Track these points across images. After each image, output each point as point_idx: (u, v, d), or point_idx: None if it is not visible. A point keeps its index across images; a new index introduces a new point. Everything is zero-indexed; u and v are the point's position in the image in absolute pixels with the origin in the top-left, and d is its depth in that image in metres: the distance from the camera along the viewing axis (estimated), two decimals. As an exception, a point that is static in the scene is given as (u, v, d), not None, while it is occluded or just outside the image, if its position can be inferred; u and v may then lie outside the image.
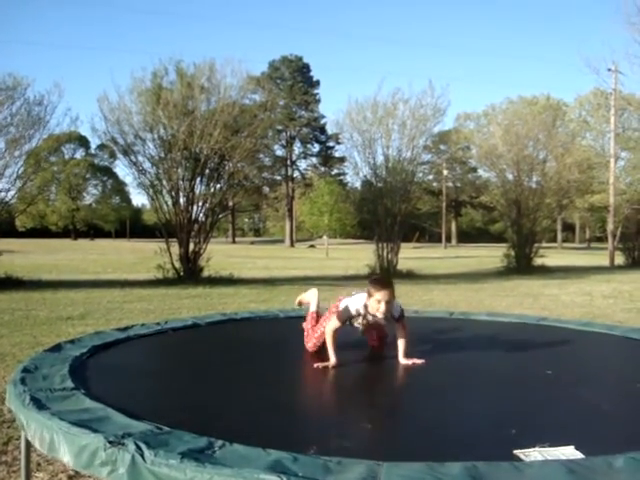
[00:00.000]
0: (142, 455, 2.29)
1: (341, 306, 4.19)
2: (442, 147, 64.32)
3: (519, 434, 2.83)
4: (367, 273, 19.92)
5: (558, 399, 3.55)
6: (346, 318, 4.15)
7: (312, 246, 61.72)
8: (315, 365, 3.93)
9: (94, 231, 76.41)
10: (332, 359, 4.01)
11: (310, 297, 5.02)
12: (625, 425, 3.09)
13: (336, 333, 4.16)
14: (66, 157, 76.35)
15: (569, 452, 2.55)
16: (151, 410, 3.02)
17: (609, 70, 28.43)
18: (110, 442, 2.39)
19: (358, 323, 4.23)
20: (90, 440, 2.46)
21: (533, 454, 2.52)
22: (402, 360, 4.11)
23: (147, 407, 3.11)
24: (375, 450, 2.59)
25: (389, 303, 3.99)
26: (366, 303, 4.06)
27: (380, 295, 3.96)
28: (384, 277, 4.26)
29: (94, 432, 2.52)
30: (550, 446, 2.61)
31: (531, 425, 3.04)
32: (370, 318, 4.16)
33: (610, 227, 34.12)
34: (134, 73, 17.33)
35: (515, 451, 2.54)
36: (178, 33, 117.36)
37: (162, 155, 17.10)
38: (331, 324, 4.15)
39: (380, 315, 4.03)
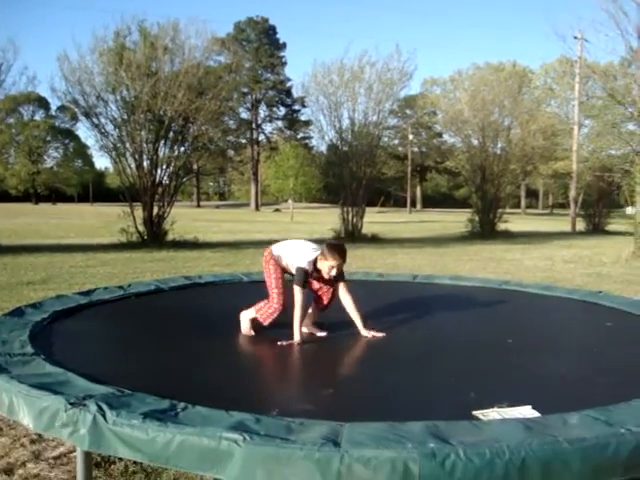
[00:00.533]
0: (104, 415, 2.28)
1: (295, 266, 4.13)
2: (408, 112, 64.20)
3: (479, 397, 2.88)
4: (332, 237, 19.96)
5: (518, 362, 3.61)
6: (305, 280, 4.11)
7: (277, 210, 61.52)
8: (279, 343, 3.90)
9: (56, 195, 74.94)
10: (296, 337, 3.96)
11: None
12: (580, 386, 3.16)
13: (305, 308, 4.14)
14: (25, 119, 74.62)
15: (526, 412, 2.60)
16: (113, 375, 3.00)
17: (575, 38, 28.58)
18: (71, 403, 2.37)
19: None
20: (50, 402, 2.44)
21: (491, 414, 2.57)
22: (363, 332, 4.12)
23: (109, 372, 3.09)
24: (338, 413, 2.61)
25: (340, 269, 4.07)
26: (318, 266, 4.10)
27: (335, 262, 4.02)
28: (341, 244, 4.21)
29: (54, 394, 2.50)
30: (508, 406, 2.66)
31: (491, 388, 3.09)
32: (314, 281, 4.26)
33: (572, 194, 34.57)
34: (96, 32, 16.90)
35: (474, 412, 2.59)
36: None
37: (125, 117, 16.81)
38: (299, 296, 4.03)
39: (326, 277, 4.11)
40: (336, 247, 4.14)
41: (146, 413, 2.30)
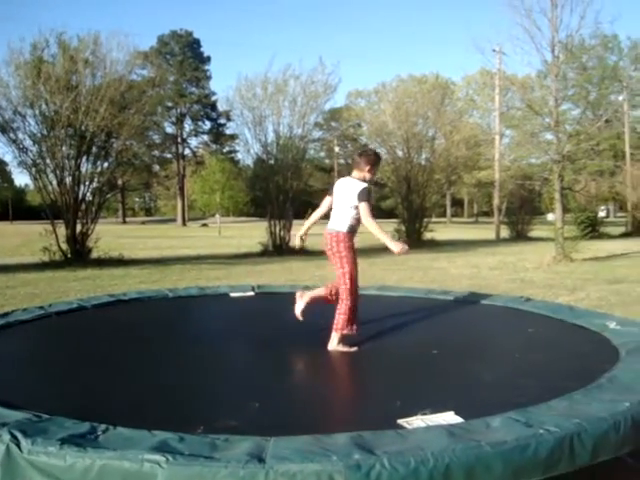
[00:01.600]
0: (18, 445, 2.19)
1: (358, 189, 4.37)
2: (333, 124, 64.70)
3: (404, 405, 2.90)
4: (259, 251, 19.88)
5: (442, 370, 3.66)
6: (369, 197, 4.40)
7: (205, 225, 61.01)
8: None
9: (-28, 214, 72.50)
10: (396, 245, 4.30)
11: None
12: (502, 390, 3.22)
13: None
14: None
15: (449, 418, 2.63)
16: (30, 399, 2.90)
17: (494, 51, 29.27)
18: (-18, 432, 2.27)
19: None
20: (-42, 433, 2.33)
21: (416, 422, 2.59)
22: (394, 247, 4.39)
23: (26, 396, 2.99)
24: (264, 427, 2.58)
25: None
26: (369, 175, 4.53)
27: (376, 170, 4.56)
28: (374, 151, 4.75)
29: (-37, 422, 2.40)
30: (431, 413, 2.68)
31: (415, 396, 3.12)
32: None
33: (496, 202, 35.39)
34: (11, 44, 16.40)
35: (399, 420, 2.60)
36: (59, 2, 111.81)
37: (45, 132, 16.33)
38: (368, 213, 4.35)
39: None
40: (377, 154, 4.71)
41: (64, 439, 2.22)
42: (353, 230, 4.50)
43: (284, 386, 3.41)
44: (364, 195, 4.28)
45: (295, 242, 4.43)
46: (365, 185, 4.34)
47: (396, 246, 4.27)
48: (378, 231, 4.32)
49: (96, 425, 2.40)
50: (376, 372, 3.68)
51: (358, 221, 4.42)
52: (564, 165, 17.92)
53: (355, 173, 4.48)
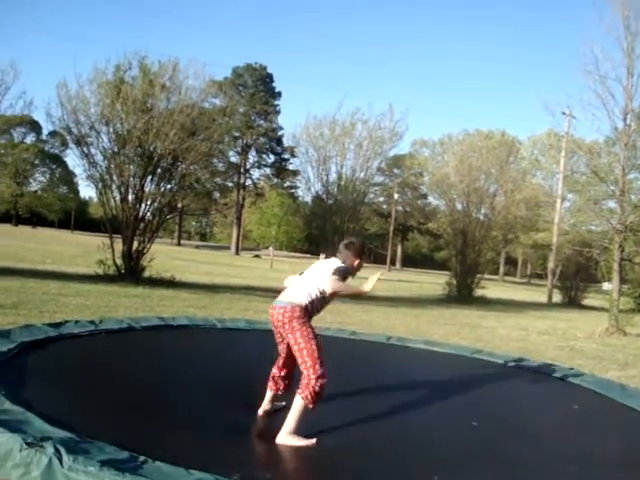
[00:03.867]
0: (60, 459, 2.22)
1: (336, 266, 4.14)
2: (396, 171, 64.93)
3: (440, 474, 2.83)
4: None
5: (481, 446, 3.54)
6: (346, 275, 4.17)
7: (257, 256, 61.43)
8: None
9: (37, 219, 74.50)
10: (365, 288, 4.03)
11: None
12: (540, 470, 3.12)
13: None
14: (15, 141, 74.51)
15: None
16: (75, 418, 2.93)
17: (563, 114, 29.11)
18: (28, 443, 2.31)
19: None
20: (5, 440, 2.38)
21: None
22: None
23: (71, 414, 3.03)
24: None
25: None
26: (353, 265, 4.20)
27: (362, 262, 4.23)
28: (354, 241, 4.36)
29: (10, 432, 2.44)
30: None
31: (453, 474, 3.03)
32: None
33: (551, 265, 34.82)
34: (97, 64, 16.99)
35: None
36: (144, 28, 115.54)
37: (115, 150, 16.77)
38: (335, 283, 4.01)
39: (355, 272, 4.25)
40: (364, 248, 4.36)
41: (104, 461, 2.24)
42: (313, 307, 4.10)
43: (322, 454, 3.34)
44: (339, 271, 4.04)
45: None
46: (345, 266, 4.12)
47: (366, 286, 4.00)
48: (347, 289, 4.12)
49: (135, 455, 2.42)
50: (414, 446, 3.60)
51: (323, 301, 4.11)
52: (626, 235, 17.57)
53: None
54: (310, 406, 3.69)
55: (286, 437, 3.52)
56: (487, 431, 3.79)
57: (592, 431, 3.92)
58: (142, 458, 2.39)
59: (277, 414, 3.71)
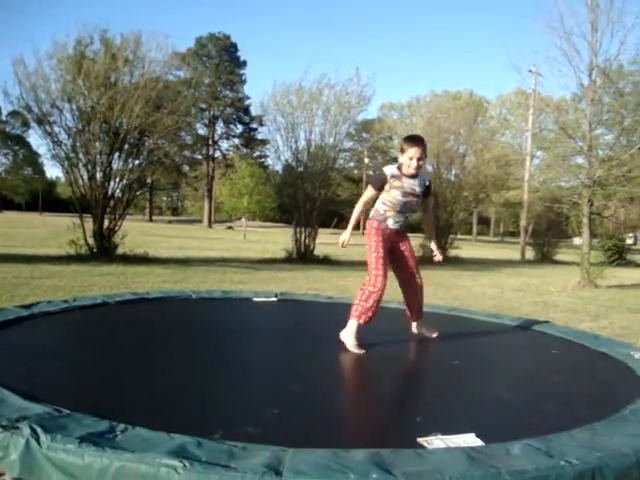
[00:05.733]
0: (37, 440, 2.19)
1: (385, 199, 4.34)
2: (365, 135, 64.75)
3: (424, 422, 2.87)
4: (283, 257, 19.91)
5: (463, 388, 3.62)
6: (381, 180, 4.28)
7: (230, 228, 61.29)
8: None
9: (2, 203, 73.21)
10: (346, 233, 4.34)
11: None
12: (524, 413, 3.18)
13: (366, 205, 4.40)
14: (-28, 123, 73.04)
15: (470, 439, 2.60)
16: (51, 392, 2.91)
17: (530, 71, 29.18)
18: (2, 426, 2.28)
19: (391, 214, 4.35)
20: (-20, 424, 2.34)
21: (436, 442, 2.56)
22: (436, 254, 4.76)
23: (47, 389, 3.00)
24: (282, 436, 2.57)
25: (420, 160, 4.22)
26: (400, 162, 4.27)
27: (412, 152, 4.18)
28: (418, 135, 4.44)
29: (-14, 414, 2.41)
30: (452, 434, 2.65)
31: (435, 413, 3.10)
32: (406, 184, 4.28)
33: (523, 223, 35.19)
34: (56, 38, 16.62)
35: (419, 439, 2.58)
36: (102, 1, 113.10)
37: (80, 127, 16.50)
38: (365, 193, 4.35)
39: (412, 171, 4.23)
40: (412, 137, 4.34)
41: (83, 437, 2.22)
42: (376, 216, 4.41)
43: (303, 394, 3.38)
44: (370, 178, 4.38)
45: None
46: (377, 173, 4.39)
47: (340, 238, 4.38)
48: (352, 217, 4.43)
49: (115, 424, 2.40)
50: (397, 386, 3.66)
51: (385, 206, 4.34)
52: (594, 190, 17.77)
53: None
54: (358, 320, 4.28)
55: (345, 335, 4.29)
56: (468, 375, 3.88)
57: (568, 374, 4.00)
58: (122, 426, 2.37)
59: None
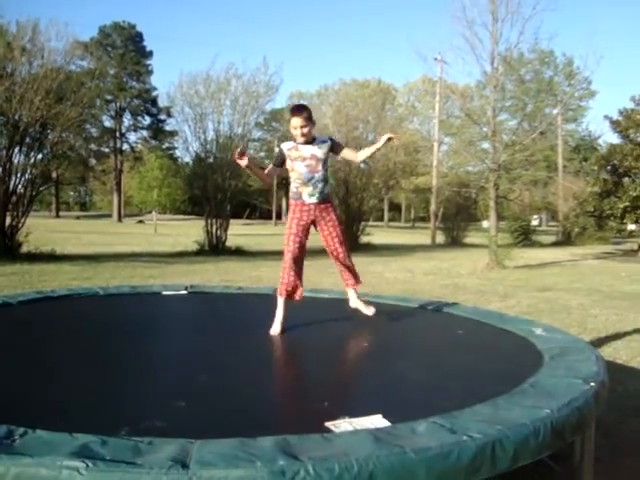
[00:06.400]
0: None
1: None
2: (274, 124, 64.64)
3: (331, 406, 2.90)
4: (196, 250, 19.73)
5: (371, 371, 3.68)
6: (279, 155, 4.36)
7: (141, 222, 60.18)
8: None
9: None
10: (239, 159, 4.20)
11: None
12: (430, 392, 3.26)
13: (269, 173, 4.45)
14: None
15: (377, 421, 2.64)
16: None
17: (435, 59, 29.72)
18: None
19: (302, 188, 4.32)
20: None
21: (343, 425, 2.59)
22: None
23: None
24: (190, 428, 2.54)
25: (304, 127, 4.18)
26: (293, 135, 4.26)
27: (293, 122, 4.19)
28: (297, 105, 4.42)
29: None
30: (359, 416, 2.69)
31: (343, 397, 3.15)
32: (304, 152, 4.27)
33: (433, 208, 35.95)
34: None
35: (326, 423, 2.60)
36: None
37: (-25, 121, 15.90)
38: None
39: (301, 139, 4.21)
40: (291, 108, 4.36)
41: (-24, 443, 2.14)
42: (292, 195, 4.42)
43: (211, 386, 3.35)
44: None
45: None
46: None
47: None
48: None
49: (14, 428, 2.31)
50: (303, 372, 3.68)
51: (295, 183, 4.37)
52: (500, 174, 18.34)
53: None
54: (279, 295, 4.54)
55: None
56: (374, 359, 3.98)
57: (472, 353, 4.13)
58: (21, 430, 2.29)
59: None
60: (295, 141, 4.26)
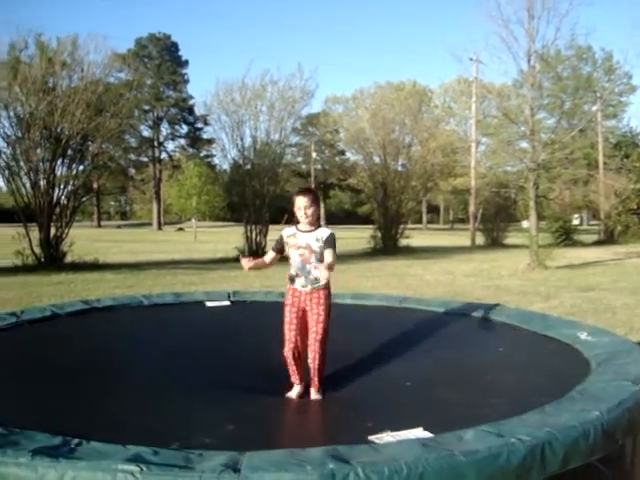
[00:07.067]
0: (-12, 455, 2.16)
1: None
2: (311, 129, 64.68)
3: (373, 422, 2.89)
4: (235, 256, 19.83)
5: (411, 389, 3.66)
6: (278, 241, 4.23)
7: (181, 229, 60.73)
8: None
9: (-60, 215, 71.02)
10: (246, 261, 4.18)
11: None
12: (471, 406, 3.23)
13: (269, 262, 4.29)
14: None
15: (419, 433, 2.64)
16: (2, 412, 2.85)
17: (470, 59, 29.48)
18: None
19: (296, 276, 4.17)
20: None
21: (386, 438, 2.60)
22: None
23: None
24: (239, 445, 2.57)
25: (308, 209, 4.07)
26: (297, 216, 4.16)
27: (297, 202, 4.07)
28: (304, 187, 4.39)
29: None
30: (401, 429, 2.69)
31: (385, 415, 3.10)
32: (300, 240, 4.14)
33: (471, 209, 35.62)
34: (-13, 43, 16.22)
35: (370, 437, 2.61)
36: (39, 3, 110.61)
37: (19, 134, 16.19)
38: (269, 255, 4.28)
39: (303, 220, 4.09)
40: (299, 189, 4.22)
41: (36, 450, 2.19)
42: (288, 279, 4.23)
43: (257, 403, 3.38)
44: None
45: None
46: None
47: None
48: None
49: (69, 439, 2.37)
50: (344, 384, 3.68)
51: (291, 269, 4.20)
52: (539, 173, 18.13)
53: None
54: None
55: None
56: (416, 375, 3.93)
57: (516, 366, 4.09)
58: (76, 441, 2.34)
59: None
60: (298, 224, 4.20)
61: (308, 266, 4.11)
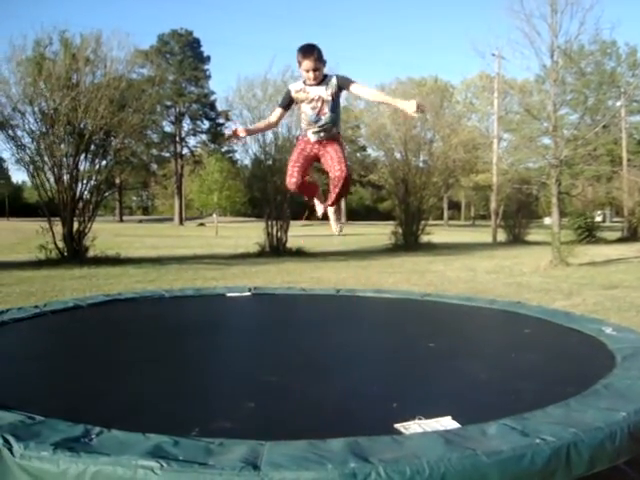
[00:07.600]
0: (10, 449, 2.16)
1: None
2: (332, 125, 64.62)
3: (400, 407, 2.88)
4: (256, 251, 19.87)
5: (438, 372, 3.65)
6: (286, 97, 4.24)
7: (202, 224, 60.94)
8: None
9: (-33, 209, 71.74)
10: (240, 131, 4.23)
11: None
12: (499, 393, 3.21)
13: (271, 123, 4.49)
14: None
15: (446, 423, 2.62)
16: (24, 399, 2.87)
17: (493, 55, 29.26)
18: (-25, 437, 2.24)
19: (309, 127, 4.22)
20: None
21: (413, 426, 2.57)
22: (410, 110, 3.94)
23: (19, 395, 2.96)
24: (259, 429, 2.57)
25: (316, 70, 4.03)
26: (303, 78, 4.14)
27: (304, 65, 4.03)
28: (307, 45, 4.14)
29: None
30: (429, 417, 2.67)
31: (412, 398, 3.12)
32: (311, 93, 4.13)
33: (493, 205, 35.43)
34: (13, 40, 16.36)
35: (396, 425, 2.59)
36: (63, 1, 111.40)
37: (43, 130, 16.30)
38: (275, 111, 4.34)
39: (312, 81, 4.06)
40: (300, 48, 4.11)
41: (57, 443, 2.19)
42: (301, 132, 4.39)
43: (279, 387, 3.37)
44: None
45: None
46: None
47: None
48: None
49: (90, 428, 2.37)
50: (370, 372, 3.66)
51: (303, 122, 4.28)
52: (561, 170, 17.96)
53: None
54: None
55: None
56: (443, 359, 3.95)
57: (541, 352, 4.06)
58: (97, 429, 2.35)
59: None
60: (304, 82, 4.15)
61: (323, 117, 4.14)
